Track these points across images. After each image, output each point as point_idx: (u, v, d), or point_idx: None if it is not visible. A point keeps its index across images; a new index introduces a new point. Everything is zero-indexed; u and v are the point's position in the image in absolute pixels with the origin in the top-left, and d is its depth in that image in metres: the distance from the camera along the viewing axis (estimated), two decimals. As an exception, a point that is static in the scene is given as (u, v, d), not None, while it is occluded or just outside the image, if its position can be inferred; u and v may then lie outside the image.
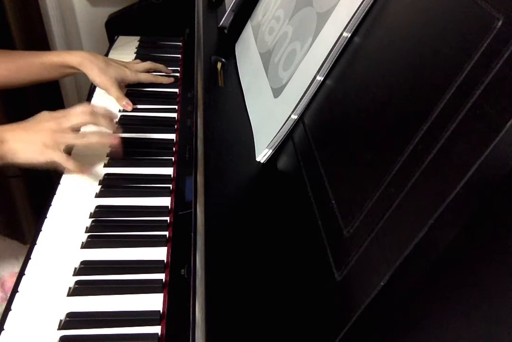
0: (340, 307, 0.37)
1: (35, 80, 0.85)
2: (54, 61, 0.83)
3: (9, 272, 0.73)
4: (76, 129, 0.68)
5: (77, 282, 0.55)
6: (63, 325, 0.50)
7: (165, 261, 0.58)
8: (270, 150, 0.60)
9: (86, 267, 0.57)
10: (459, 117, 0.32)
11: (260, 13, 0.82)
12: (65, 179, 0.70)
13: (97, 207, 0.65)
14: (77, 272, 0.56)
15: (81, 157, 0.71)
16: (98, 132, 0.69)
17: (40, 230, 0.62)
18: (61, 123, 0.65)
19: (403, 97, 0.40)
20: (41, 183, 1.16)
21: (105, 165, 0.72)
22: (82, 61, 0.82)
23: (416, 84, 0.38)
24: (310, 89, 0.55)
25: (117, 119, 0.75)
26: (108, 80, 0.84)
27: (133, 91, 0.90)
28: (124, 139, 0.75)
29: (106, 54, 1.06)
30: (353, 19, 0.51)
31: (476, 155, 0.29)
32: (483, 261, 0.32)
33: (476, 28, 0.34)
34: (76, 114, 0.67)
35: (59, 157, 0.65)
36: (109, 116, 0.71)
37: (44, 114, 0.68)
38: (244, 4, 0.89)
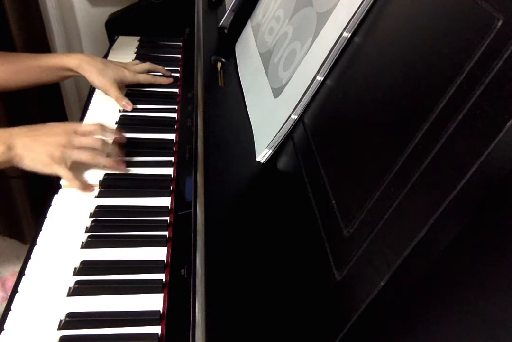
0: (341, 307, 0.37)
1: (33, 83, 0.85)
2: (52, 64, 0.83)
3: (10, 271, 0.73)
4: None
5: (77, 282, 0.55)
6: (63, 325, 0.50)
7: (165, 261, 0.58)
8: (270, 150, 0.60)
9: (86, 267, 0.57)
10: (459, 117, 0.32)
11: (260, 13, 0.82)
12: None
13: (97, 207, 0.65)
14: (77, 272, 0.56)
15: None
16: (106, 157, 0.69)
17: (40, 230, 0.62)
18: (72, 141, 0.66)
19: (403, 97, 0.40)
20: (41, 183, 1.16)
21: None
22: (80, 63, 0.82)
23: (416, 84, 0.38)
24: (310, 89, 0.55)
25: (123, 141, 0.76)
26: (107, 82, 0.83)
27: (133, 91, 0.90)
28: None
29: (106, 54, 1.06)
30: (353, 19, 0.51)
31: (476, 155, 0.29)
32: (483, 261, 0.32)
33: (476, 28, 0.34)
34: (88, 135, 0.68)
35: (63, 173, 0.65)
36: (117, 142, 0.72)
37: (55, 126, 0.68)
38: (244, 4, 0.89)
